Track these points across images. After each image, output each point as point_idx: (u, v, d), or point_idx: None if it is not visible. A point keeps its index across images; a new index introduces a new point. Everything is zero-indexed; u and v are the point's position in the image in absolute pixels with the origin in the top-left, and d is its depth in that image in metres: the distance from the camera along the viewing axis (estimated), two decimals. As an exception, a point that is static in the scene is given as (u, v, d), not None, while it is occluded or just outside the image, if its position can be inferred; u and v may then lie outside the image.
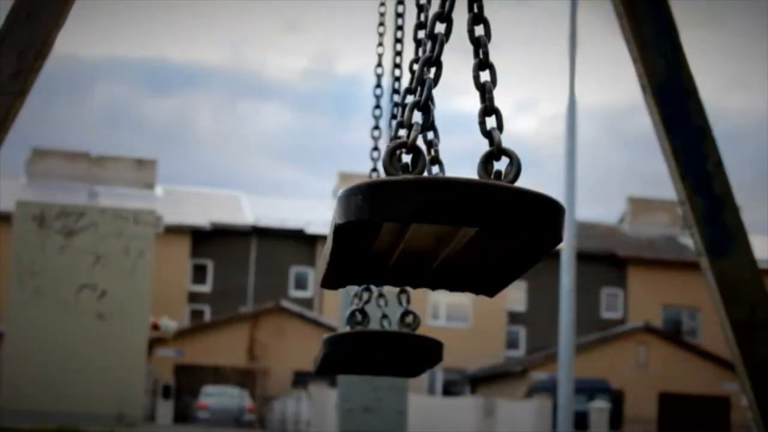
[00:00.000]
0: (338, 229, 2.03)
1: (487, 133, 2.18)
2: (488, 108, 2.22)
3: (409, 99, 2.68)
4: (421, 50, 2.77)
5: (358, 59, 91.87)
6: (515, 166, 2.12)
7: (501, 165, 2.16)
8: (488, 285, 2.46)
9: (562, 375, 22.92)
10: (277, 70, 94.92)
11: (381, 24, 4.61)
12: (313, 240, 48.50)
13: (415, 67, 2.71)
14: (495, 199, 1.93)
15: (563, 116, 24.01)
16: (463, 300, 47.05)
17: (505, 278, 2.39)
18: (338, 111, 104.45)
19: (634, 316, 47.93)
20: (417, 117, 2.27)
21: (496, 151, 2.14)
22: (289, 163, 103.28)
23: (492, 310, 47.50)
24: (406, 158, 2.17)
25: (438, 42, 2.32)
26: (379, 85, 4.60)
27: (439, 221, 1.94)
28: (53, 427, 10.16)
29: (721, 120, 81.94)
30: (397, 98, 4.36)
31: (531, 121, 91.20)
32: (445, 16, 2.34)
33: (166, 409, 38.07)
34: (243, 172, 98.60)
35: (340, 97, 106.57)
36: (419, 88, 2.30)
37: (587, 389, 35.17)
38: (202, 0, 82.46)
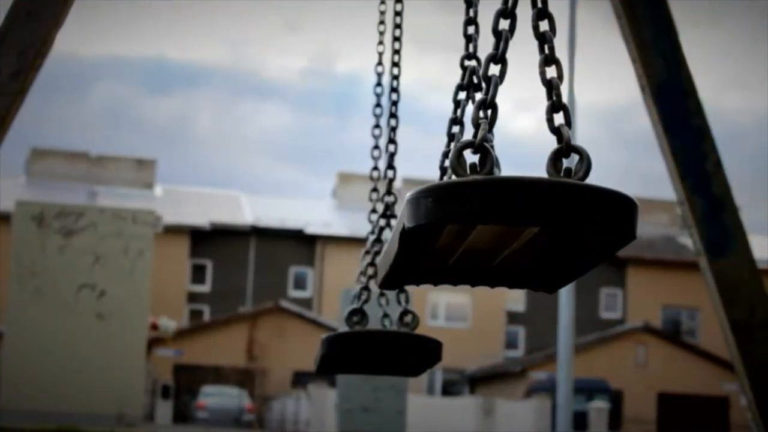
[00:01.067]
0: (408, 233, 1.99)
1: (555, 130, 2.13)
2: (556, 104, 2.17)
3: (461, 95, 2.66)
4: (471, 46, 2.72)
5: (358, 59, 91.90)
6: (585, 162, 2.07)
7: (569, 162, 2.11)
8: (548, 282, 2.43)
9: (561, 375, 22.92)
10: (276, 70, 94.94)
11: (381, 23, 4.61)
12: (313, 240, 48.50)
13: (467, 63, 2.68)
14: (567, 197, 1.90)
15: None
16: (462, 300, 47.05)
17: (568, 275, 2.35)
18: (338, 111, 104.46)
19: (633, 316, 47.93)
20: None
21: (565, 148, 2.09)
22: (288, 163, 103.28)
23: (491, 310, 47.50)
24: (472, 158, 2.11)
25: (503, 39, 2.27)
26: (379, 84, 4.60)
27: (510, 222, 1.90)
28: (53, 427, 10.16)
29: (721, 120, 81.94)
30: (396, 97, 4.37)
31: (530, 120, 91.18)
32: (509, 12, 2.30)
33: (165, 409, 38.06)
34: (243, 172, 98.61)
35: (339, 97, 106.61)
36: (485, 86, 2.24)
37: (586, 389, 35.17)
38: (202, 0, 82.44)
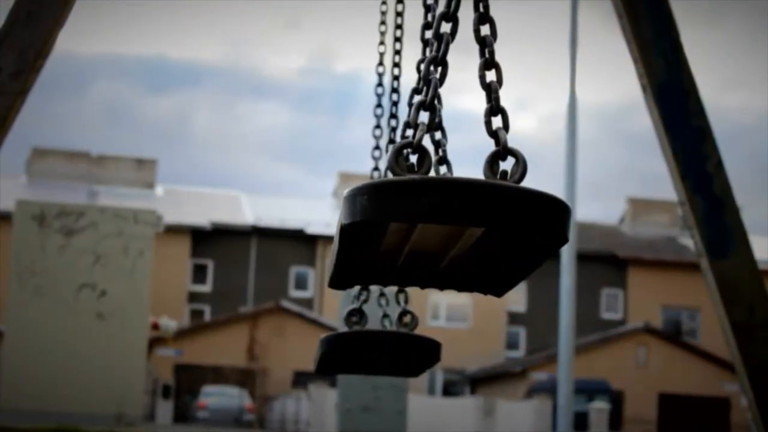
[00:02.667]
0: (344, 230, 2.02)
1: (492, 133, 2.18)
2: (494, 108, 2.21)
3: (416, 99, 2.69)
4: (428, 50, 2.77)
5: (357, 57, 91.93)
6: (521, 166, 2.12)
7: (507, 165, 2.16)
8: (496, 285, 2.46)
9: (561, 375, 22.92)
10: (275, 69, 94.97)
11: (382, 23, 4.61)
12: (313, 240, 48.51)
13: (422, 66, 2.72)
14: (501, 199, 1.93)
15: (563, 115, 24.04)
16: (463, 300, 47.05)
17: (512, 278, 2.38)
18: (337, 109, 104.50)
19: (634, 317, 47.93)
20: (423, 117, 2.26)
21: (502, 151, 2.13)
22: (288, 163, 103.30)
23: (492, 310, 47.49)
24: (413, 158, 2.17)
25: (444, 41, 2.31)
26: (380, 84, 4.60)
27: (445, 222, 1.93)
28: (53, 427, 10.16)
29: (721, 119, 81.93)
30: (396, 97, 4.37)
31: (530, 119, 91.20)
32: (450, 15, 2.33)
33: (165, 409, 38.06)
34: (242, 172, 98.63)
35: (338, 96, 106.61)
36: (425, 88, 2.29)
37: (587, 390, 35.17)
38: None
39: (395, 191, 1.93)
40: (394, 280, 2.49)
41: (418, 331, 3.81)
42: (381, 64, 4.59)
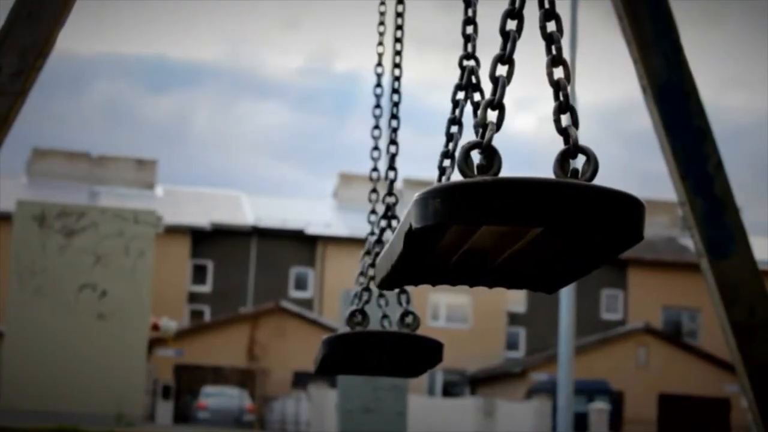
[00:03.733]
0: (414, 233, 1.99)
1: (562, 131, 2.13)
2: (563, 105, 2.17)
3: (460, 95, 2.65)
4: (469, 46, 2.71)
5: (356, 57, 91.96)
6: (592, 163, 2.08)
7: (575, 163, 2.12)
8: (548, 282, 2.42)
9: (561, 376, 22.91)
10: (275, 69, 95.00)
11: (381, 23, 4.61)
12: (313, 240, 48.49)
13: (465, 63, 2.68)
14: (574, 199, 1.90)
15: (563, 116, 24.04)
16: (463, 301, 47.04)
17: (569, 275, 2.35)
18: (337, 109, 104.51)
19: (634, 317, 47.92)
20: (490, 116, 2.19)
21: (573, 149, 2.09)
22: (288, 162, 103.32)
23: (492, 310, 47.49)
24: (478, 158, 2.11)
25: (510, 39, 2.27)
26: (379, 85, 4.60)
27: (518, 223, 1.90)
28: (53, 427, 10.16)
29: (721, 119, 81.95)
30: (397, 98, 4.36)
31: (530, 119, 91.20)
32: (516, 12, 2.29)
33: (165, 410, 38.04)
34: (242, 172, 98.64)
35: (338, 96, 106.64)
36: (493, 87, 2.23)
37: (587, 390, 35.15)
38: None
39: (468, 193, 1.90)
40: (444, 280, 2.44)
41: (418, 332, 3.81)
42: (380, 64, 4.58)
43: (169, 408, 38.34)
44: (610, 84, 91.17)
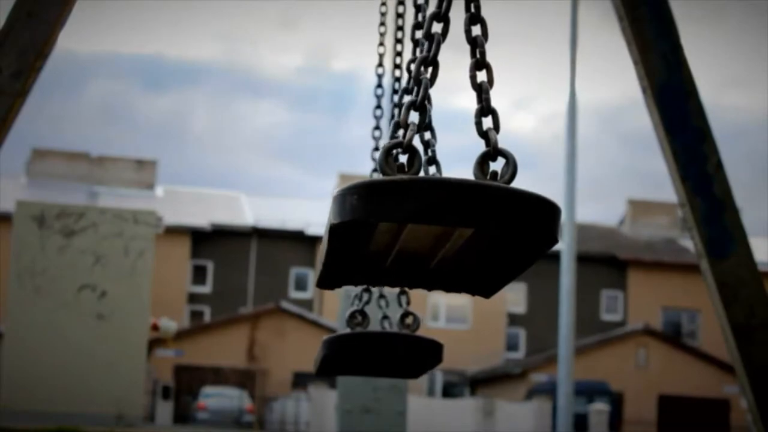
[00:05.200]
0: (333, 230, 2.02)
1: (483, 134, 2.17)
2: (485, 108, 2.21)
3: (406, 99, 2.69)
4: (419, 50, 2.77)
5: (354, 56, 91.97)
6: (511, 166, 2.11)
7: (497, 165, 2.15)
8: (486, 286, 2.45)
9: (561, 377, 22.92)
10: (272, 68, 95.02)
11: (382, 24, 4.61)
12: (313, 241, 48.49)
13: (413, 66, 2.71)
14: (490, 200, 1.93)
15: (562, 114, 24.13)
16: (462, 301, 47.03)
17: (502, 279, 2.37)
18: (335, 108, 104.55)
19: (633, 318, 47.92)
20: (414, 117, 2.26)
21: (493, 152, 2.13)
22: (287, 162, 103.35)
23: (492, 311, 47.49)
24: (403, 158, 2.16)
25: (435, 42, 2.31)
26: (380, 86, 4.60)
27: (434, 222, 1.93)
28: (53, 427, 10.16)
29: (721, 119, 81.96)
30: (397, 98, 4.37)
31: (529, 119, 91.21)
32: (442, 15, 2.33)
33: (165, 410, 38.05)
34: (240, 171, 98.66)
35: (336, 95, 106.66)
36: (416, 88, 2.29)
37: (587, 391, 35.16)
38: None
39: (385, 191, 1.93)
40: (382, 281, 2.48)
41: (418, 333, 3.81)
42: (381, 65, 4.59)
43: (169, 408, 38.34)
44: (610, 84, 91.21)
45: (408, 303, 3.97)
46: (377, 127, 4.54)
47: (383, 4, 4.66)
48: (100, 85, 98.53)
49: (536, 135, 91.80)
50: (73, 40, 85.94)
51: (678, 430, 41.67)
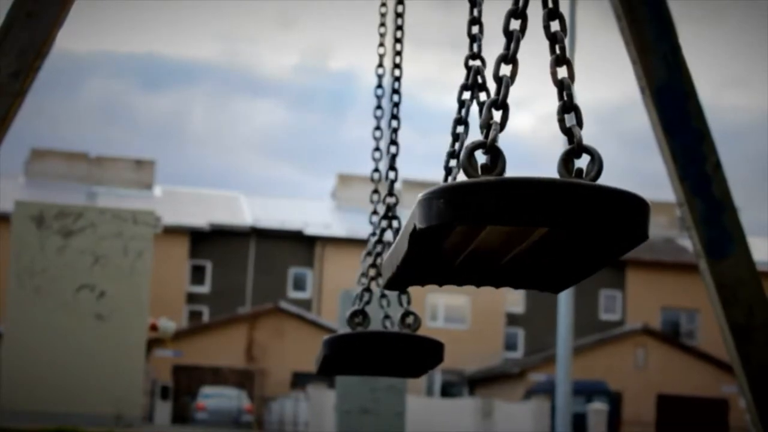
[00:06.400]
0: (419, 233, 1.99)
1: (566, 131, 2.13)
2: (567, 105, 2.17)
3: (466, 96, 2.65)
4: (475, 46, 2.70)
5: (351, 55, 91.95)
6: (597, 163, 2.08)
7: (580, 162, 2.12)
8: (554, 282, 2.42)
9: (560, 376, 22.92)
10: (270, 67, 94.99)
11: (382, 24, 4.61)
12: (312, 241, 48.48)
13: (471, 63, 2.68)
14: (579, 198, 1.90)
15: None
16: (461, 301, 47.03)
17: (575, 275, 2.35)
18: (333, 108, 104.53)
19: (632, 318, 47.92)
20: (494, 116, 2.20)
21: (577, 149, 2.09)
22: (286, 162, 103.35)
23: (490, 311, 47.48)
24: (483, 158, 2.11)
25: (514, 39, 2.27)
26: (380, 86, 4.60)
27: (522, 223, 1.90)
28: (52, 427, 10.16)
29: (720, 119, 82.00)
30: (398, 98, 4.36)
31: (528, 118, 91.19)
32: (519, 12, 2.29)
33: (164, 410, 38.04)
34: (239, 171, 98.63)
35: (334, 94, 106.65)
36: (497, 87, 2.24)
37: (586, 391, 35.16)
38: None
39: (472, 193, 1.90)
40: (450, 280, 2.43)
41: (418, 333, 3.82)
42: (381, 65, 4.58)
43: (168, 408, 38.33)
44: (609, 83, 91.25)
45: (409, 303, 3.98)
46: (378, 128, 4.54)
47: (383, 4, 4.66)
48: (98, 84, 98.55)
49: (535, 135, 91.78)
50: (70, 40, 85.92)
51: (677, 429, 41.67)
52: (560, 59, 2.22)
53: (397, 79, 4.29)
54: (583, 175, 2.08)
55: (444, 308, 47.70)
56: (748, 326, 5.72)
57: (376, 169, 4.46)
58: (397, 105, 4.31)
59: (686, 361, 43.16)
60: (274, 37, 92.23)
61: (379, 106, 4.56)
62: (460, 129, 2.68)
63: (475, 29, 2.71)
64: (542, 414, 32.36)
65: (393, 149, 4.31)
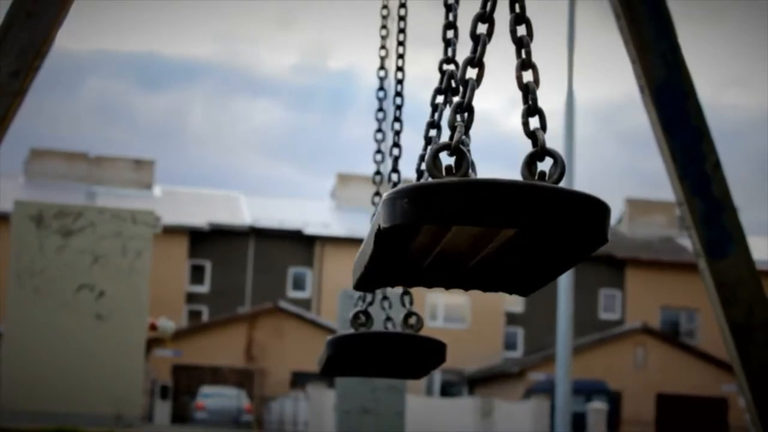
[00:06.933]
0: (383, 233, 2.02)
1: (530, 134, 2.16)
2: (531, 108, 2.20)
3: (439, 99, 2.67)
4: (450, 50, 2.73)
5: (351, 55, 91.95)
6: (560, 166, 2.11)
7: (544, 166, 2.15)
8: (523, 284, 2.44)
9: (559, 376, 22.93)
10: (269, 67, 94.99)
11: (383, 27, 4.61)
12: (312, 241, 48.48)
13: (445, 67, 2.70)
14: (541, 201, 1.93)
15: (559, 113, 24.06)
16: (461, 301, 47.04)
17: (542, 278, 2.37)
18: (333, 107, 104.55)
19: (632, 318, 47.93)
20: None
21: (540, 152, 2.13)
22: (285, 161, 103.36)
23: (490, 311, 47.49)
24: (448, 160, 2.15)
25: (480, 42, 2.30)
26: (381, 88, 4.60)
27: (485, 223, 1.93)
28: (52, 428, 10.16)
29: (720, 118, 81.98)
30: (400, 101, 4.36)
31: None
32: (487, 16, 2.32)
33: (164, 410, 38.04)
34: (238, 170, 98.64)
35: (333, 93, 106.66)
36: (462, 89, 2.27)
37: (585, 390, 35.18)
38: None
39: (435, 193, 1.92)
40: (419, 281, 2.46)
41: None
42: (383, 67, 4.58)
43: (167, 408, 38.34)
44: (608, 82, 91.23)
45: (411, 303, 3.98)
46: (379, 130, 4.54)
47: (384, 6, 4.66)
48: (98, 84, 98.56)
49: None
50: (70, 40, 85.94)
51: (676, 429, 41.68)
52: (526, 63, 2.25)
53: (400, 81, 4.29)
54: (546, 177, 2.12)
55: (444, 308, 47.71)
56: (748, 326, 5.72)
57: (378, 172, 4.47)
58: (399, 108, 4.32)
59: (686, 360, 43.18)
60: (274, 36, 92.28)
61: (380, 109, 4.56)
62: (433, 132, 2.71)
63: (450, 33, 2.75)
64: (542, 413, 32.37)
65: (396, 151, 4.31)
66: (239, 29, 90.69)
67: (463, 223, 1.94)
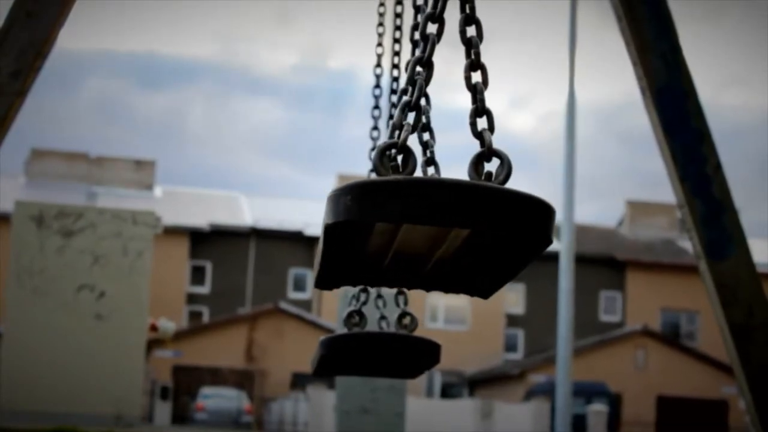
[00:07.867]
0: (328, 230, 2.03)
1: (478, 134, 2.18)
2: (479, 109, 2.21)
3: (402, 99, 2.69)
4: (418, 51, 2.77)
5: (350, 54, 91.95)
6: (506, 167, 2.12)
7: (492, 166, 2.16)
8: (483, 286, 2.45)
9: (560, 378, 22.92)
10: (268, 66, 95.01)
11: (380, 24, 4.61)
12: (312, 241, 48.49)
13: (408, 67, 2.72)
14: (484, 201, 1.93)
15: (560, 114, 24.15)
16: (461, 302, 47.03)
17: (498, 280, 2.38)
18: (332, 107, 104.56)
19: (632, 319, 47.93)
20: (410, 117, 2.26)
21: (487, 153, 2.14)
22: (285, 161, 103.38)
23: (490, 312, 47.48)
24: (399, 159, 2.16)
25: (430, 42, 2.31)
26: (378, 86, 4.60)
27: (428, 222, 1.93)
28: (51, 428, 10.16)
29: (720, 119, 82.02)
30: (396, 99, 4.36)
31: (528, 118, 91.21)
32: (437, 16, 2.33)
33: (164, 410, 38.04)
34: (238, 170, 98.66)
35: (333, 93, 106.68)
36: (411, 88, 2.29)
37: (585, 392, 35.17)
38: None
39: (378, 191, 1.93)
40: (380, 281, 2.48)
41: (416, 333, 3.82)
42: (379, 65, 4.58)
43: (168, 409, 38.33)
44: (609, 83, 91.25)
45: (405, 303, 3.97)
46: (375, 128, 4.54)
47: (381, 4, 4.66)
48: (98, 84, 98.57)
49: (534, 134, 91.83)
50: (70, 40, 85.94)
51: (677, 431, 41.67)
52: (474, 64, 2.26)
53: (396, 79, 4.29)
54: (492, 178, 2.12)
55: (444, 309, 47.71)
56: (748, 327, 5.72)
57: (374, 170, 4.46)
58: (395, 105, 4.32)
59: (686, 362, 43.17)
60: (274, 36, 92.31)
61: (376, 106, 4.57)
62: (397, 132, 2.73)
63: (417, 35, 2.77)
64: (542, 415, 32.36)
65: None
66: (239, 29, 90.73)
67: (405, 221, 1.94)
